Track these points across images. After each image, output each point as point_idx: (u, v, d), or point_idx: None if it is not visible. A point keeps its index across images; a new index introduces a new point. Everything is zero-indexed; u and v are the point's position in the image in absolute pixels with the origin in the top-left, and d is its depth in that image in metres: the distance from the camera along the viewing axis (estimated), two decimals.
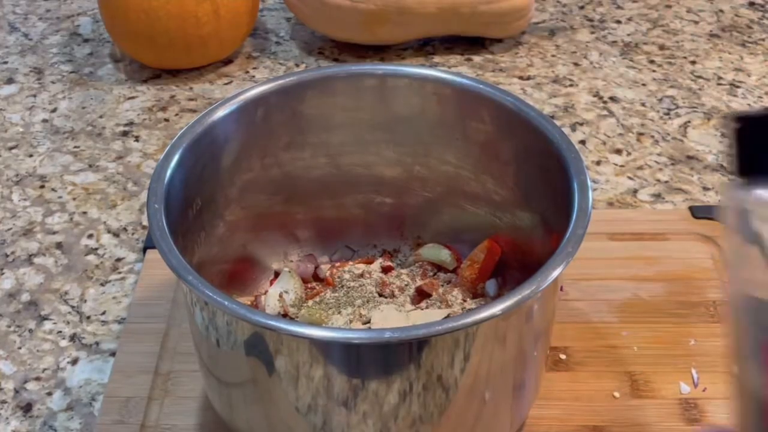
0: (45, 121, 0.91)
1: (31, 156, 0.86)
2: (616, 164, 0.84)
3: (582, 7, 1.08)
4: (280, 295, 0.63)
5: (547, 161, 0.56)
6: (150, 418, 0.60)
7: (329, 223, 0.67)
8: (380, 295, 0.63)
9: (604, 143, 0.86)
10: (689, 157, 0.84)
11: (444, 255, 0.66)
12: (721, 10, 1.06)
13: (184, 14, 0.90)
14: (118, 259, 0.75)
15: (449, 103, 0.62)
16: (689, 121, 0.89)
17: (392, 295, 0.63)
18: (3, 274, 0.74)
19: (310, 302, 0.63)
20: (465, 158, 0.63)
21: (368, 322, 0.61)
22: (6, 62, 1.00)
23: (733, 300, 0.40)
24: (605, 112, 0.90)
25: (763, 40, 1.01)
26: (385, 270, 0.65)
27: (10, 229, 0.78)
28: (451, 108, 0.62)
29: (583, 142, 0.86)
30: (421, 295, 0.63)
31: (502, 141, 0.60)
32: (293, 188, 0.65)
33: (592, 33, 1.03)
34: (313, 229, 0.67)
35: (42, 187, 0.82)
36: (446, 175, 0.64)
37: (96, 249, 0.76)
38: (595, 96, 0.93)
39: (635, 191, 0.81)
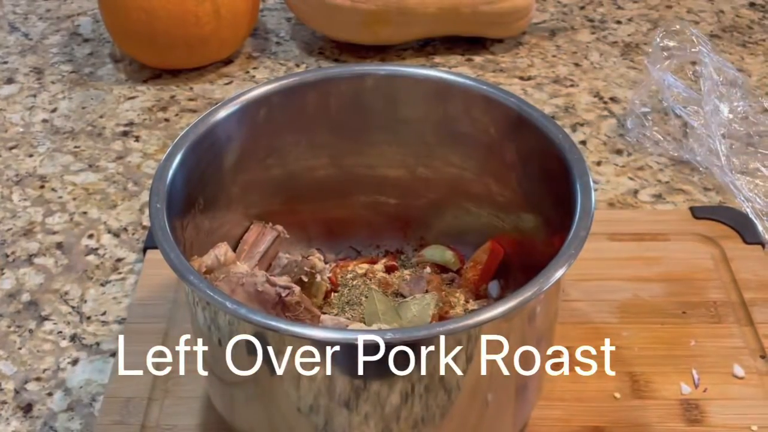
0: (45, 121, 0.91)
1: (31, 156, 0.86)
2: (616, 165, 0.84)
3: (582, 8, 1.08)
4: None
5: (549, 163, 0.56)
6: (150, 418, 0.60)
7: (333, 223, 0.67)
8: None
9: (605, 143, 0.86)
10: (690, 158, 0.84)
11: (447, 256, 0.66)
12: (722, 11, 1.07)
13: (185, 14, 0.90)
14: (119, 260, 0.74)
15: (452, 104, 0.62)
16: (689, 122, 0.88)
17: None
18: (3, 274, 0.74)
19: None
20: (468, 159, 0.63)
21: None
22: (6, 62, 0.99)
23: None
24: (606, 113, 0.90)
25: (764, 40, 1.01)
26: (389, 270, 0.65)
27: (10, 229, 0.78)
28: (454, 109, 0.62)
29: (583, 142, 0.86)
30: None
31: (505, 142, 0.60)
32: (296, 189, 0.65)
33: (593, 33, 1.03)
34: (316, 229, 0.67)
35: (42, 187, 0.82)
36: (449, 176, 0.64)
37: (96, 249, 0.76)
38: (595, 96, 0.93)
39: (636, 192, 0.81)
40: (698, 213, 0.75)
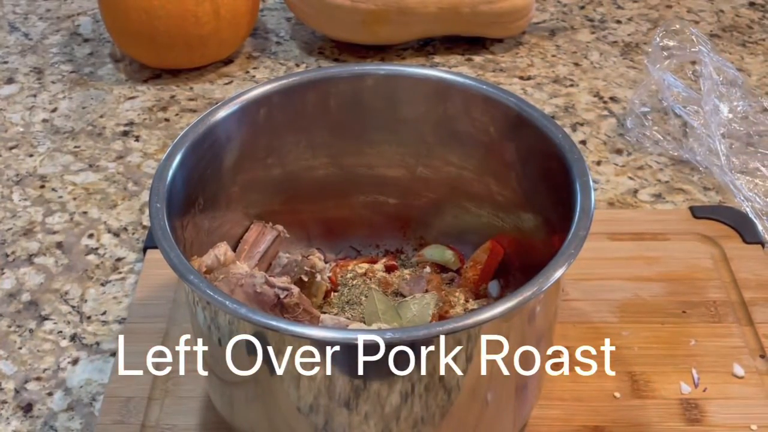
0: (45, 120, 0.91)
1: (31, 156, 0.86)
2: (616, 164, 0.84)
3: (582, 7, 1.08)
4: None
5: (549, 162, 0.56)
6: (150, 418, 0.60)
7: (333, 223, 0.67)
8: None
9: (605, 143, 0.86)
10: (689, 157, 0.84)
11: (447, 255, 0.66)
12: (722, 11, 1.07)
13: (185, 14, 0.90)
14: (119, 259, 0.74)
15: (452, 103, 0.62)
16: (689, 122, 0.88)
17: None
18: (3, 274, 0.74)
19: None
20: (468, 159, 0.63)
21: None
22: (6, 62, 1.00)
23: None
24: (606, 112, 0.90)
25: (764, 40, 1.01)
26: (389, 269, 0.65)
27: (11, 228, 0.78)
28: (454, 109, 0.62)
29: (583, 142, 0.86)
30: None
31: (505, 142, 0.60)
32: (296, 188, 0.65)
33: (593, 33, 1.03)
34: (317, 229, 0.67)
35: (42, 187, 0.82)
36: (449, 176, 0.64)
37: (96, 249, 0.76)
38: (595, 96, 0.93)
39: (636, 191, 0.81)
40: (698, 212, 0.75)
